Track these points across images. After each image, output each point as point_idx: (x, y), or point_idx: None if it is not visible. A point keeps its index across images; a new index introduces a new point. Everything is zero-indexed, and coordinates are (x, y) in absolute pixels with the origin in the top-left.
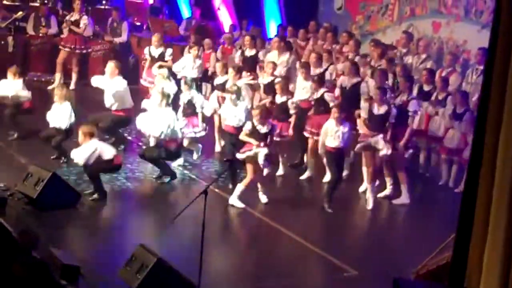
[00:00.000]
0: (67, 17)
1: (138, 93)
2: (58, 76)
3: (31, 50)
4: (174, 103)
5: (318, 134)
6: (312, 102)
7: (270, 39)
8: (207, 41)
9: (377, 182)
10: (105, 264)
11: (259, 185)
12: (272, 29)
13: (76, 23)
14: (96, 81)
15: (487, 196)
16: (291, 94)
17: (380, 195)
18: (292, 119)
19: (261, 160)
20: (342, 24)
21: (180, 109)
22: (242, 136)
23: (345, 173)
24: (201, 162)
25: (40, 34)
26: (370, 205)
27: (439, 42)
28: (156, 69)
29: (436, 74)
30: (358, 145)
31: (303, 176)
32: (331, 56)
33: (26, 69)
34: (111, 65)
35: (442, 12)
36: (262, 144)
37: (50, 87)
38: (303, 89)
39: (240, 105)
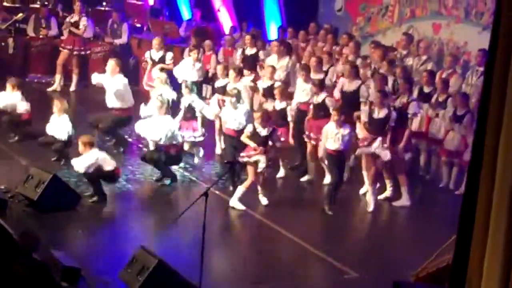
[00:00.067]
0: (67, 19)
1: (139, 94)
2: (58, 78)
3: (31, 52)
4: (175, 107)
5: (317, 139)
6: (311, 106)
7: (270, 40)
8: (207, 43)
9: (378, 185)
10: (105, 266)
11: (259, 187)
12: (272, 30)
13: (76, 24)
14: (96, 78)
15: (487, 199)
16: (291, 98)
17: (381, 197)
18: (290, 125)
19: (260, 167)
20: (342, 25)
21: (181, 113)
22: (243, 138)
23: (345, 176)
24: (202, 164)
25: (41, 36)
26: (370, 208)
27: (440, 43)
28: (157, 71)
29: (437, 76)
30: (358, 150)
31: (304, 178)
32: (331, 58)
33: (27, 70)
34: (111, 63)
35: (443, 13)
36: (261, 149)
37: (50, 89)
38: (303, 91)
39: (240, 108)
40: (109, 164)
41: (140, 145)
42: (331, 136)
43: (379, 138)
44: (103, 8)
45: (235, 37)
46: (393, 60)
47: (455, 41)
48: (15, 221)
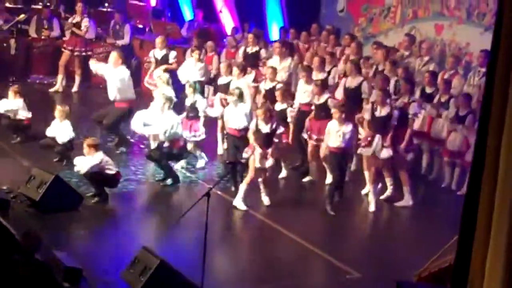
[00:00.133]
0: (69, 20)
1: (141, 95)
2: (60, 79)
3: (33, 53)
4: (180, 107)
5: (318, 140)
6: (313, 107)
7: (272, 41)
8: (209, 43)
9: (380, 185)
10: (107, 267)
11: (261, 187)
12: (274, 31)
13: (78, 25)
14: (96, 66)
15: (489, 200)
16: (292, 100)
17: (382, 197)
18: (291, 127)
19: (257, 162)
20: (344, 26)
21: (185, 113)
22: (249, 134)
23: (346, 178)
24: (204, 164)
25: (43, 37)
26: (372, 208)
27: (442, 44)
28: (159, 71)
29: (439, 77)
30: (359, 149)
31: (306, 179)
32: (334, 58)
33: (29, 71)
34: (114, 55)
35: (445, 14)
36: (259, 145)
37: (52, 90)
38: (304, 93)
39: (242, 107)
40: (111, 168)
41: (142, 146)
42: (333, 134)
43: (378, 136)
44: (105, 9)
45: (237, 38)
46: (396, 61)
47: (457, 42)
48: (17, 221)
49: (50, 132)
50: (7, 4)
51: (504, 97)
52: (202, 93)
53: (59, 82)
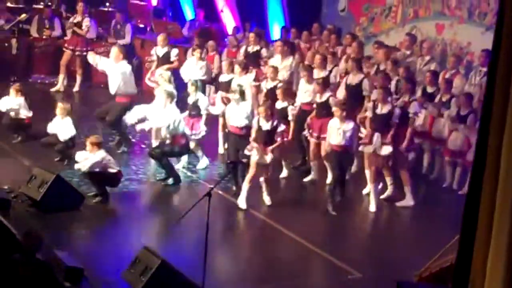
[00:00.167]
0: (70, 19)
1: (142, 94)
2: (61, 78)
3: (34, 52)
4: (182, 106)
5: (319, 138)
6: (314, 105)
7: (273, 41)
8: (210, 43)
9: (381, 185)
10: (108, 266)
11: (263, 186)
12: (275, 31)
13: (79, 25)
14: (96, 59)
15: (490, 199)
16: (293, 98)
17: (382, 196)
18: (291, 124)
19: (254, 156)
20: (345, 26)
21: (187, 111)
22: (252, 132)
23: (347, 177)
24: (205, 165)
25: (44, 36)
26: (373, 208)
27: (443, 44)
28: (161, 70)
29: (440, 76)
30: (360, 147)
31: (307, 179)
32: (335, 58)
33: (30, 71)
34: (115, 50)
35: (446, 14)
36: (259, 142)
37: (53, 89)
38: (305, 93)
39: (244, 105)
40: (113, 167)
41: (143, 145)
42: (334, 132)
43: (377, 134)
44: (106, 9)
45: (238, 37)
46: (397, 60)
47: (458, 41)
48: (18, 221)
49: (51, 128)
50: (9, 4)
51: (505, 96)
52: (203, 91)
53: (60, 82)
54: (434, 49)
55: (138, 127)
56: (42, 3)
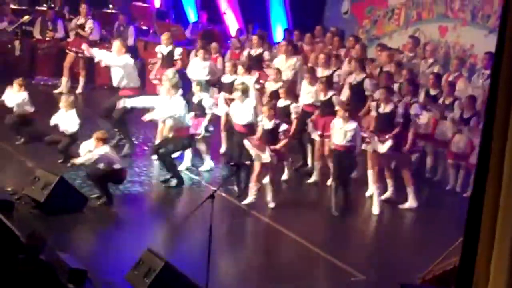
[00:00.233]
0: (73, 21)
1: (145, 95)
2: (64, 80)
3: (38, 54)
4: (187, 106)
5: (322, 136)
6: (318, 104)
7: (276, 43)
8: (213, 45)
9: (383, 186)
10: (112, 268)
11: (268, 188)
12: (278, 33)
13: (82, 27)
14: (97, 52)
15: (494, 202)
16: (296, 98)
17: (382, 197)
18: (293, 123)
19: (251, 151)
20: (348, 28)
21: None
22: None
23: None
24: (209, 168)
25: (47, 38)
26: (376, 210)
27: (446, 46)
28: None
29: (443, 79)
30: (363, 145)
31: (310, 180)
32: (338, 60)
33: (33, 73)
34: (117, 44)
35: (449, 16)
36: (262, 141)
37: (56, 91)
38: (307, 94)
39: (248, 103)
40: (118, 161)
41: (146, 148)
42: (337, 131)
43: (376, 133)
44: (109, 11)
45: (241, 39)
46: (401, 62)
47: (462, 44)
48: (21, 223)
49: (54, 121)
50: (12, 6)
51: (508, 99)
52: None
53: (64, 84)
54: (437, 51)
55: (147, 117)
56: (45, 5)
